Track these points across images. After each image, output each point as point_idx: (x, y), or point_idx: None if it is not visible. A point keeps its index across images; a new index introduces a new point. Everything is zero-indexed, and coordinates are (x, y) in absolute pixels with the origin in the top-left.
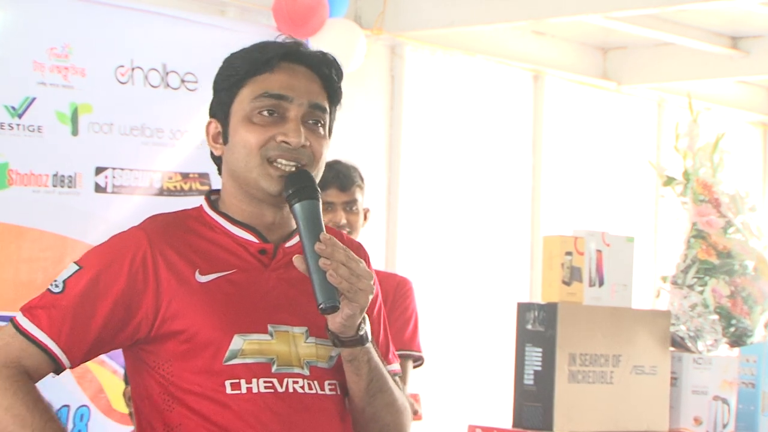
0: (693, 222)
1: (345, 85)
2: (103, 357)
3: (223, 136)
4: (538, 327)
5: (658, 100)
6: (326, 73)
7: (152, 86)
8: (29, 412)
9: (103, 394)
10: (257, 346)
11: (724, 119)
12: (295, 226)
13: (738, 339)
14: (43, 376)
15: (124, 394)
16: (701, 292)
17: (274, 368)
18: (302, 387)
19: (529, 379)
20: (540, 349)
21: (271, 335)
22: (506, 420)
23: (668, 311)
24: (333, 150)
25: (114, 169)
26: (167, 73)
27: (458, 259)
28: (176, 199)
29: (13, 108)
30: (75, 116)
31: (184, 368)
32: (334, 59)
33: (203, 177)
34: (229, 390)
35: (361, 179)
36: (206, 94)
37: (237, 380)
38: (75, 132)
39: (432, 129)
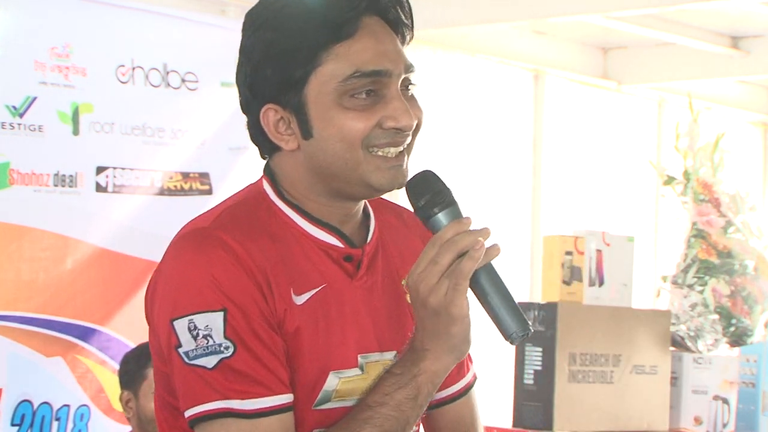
0: (693, 221)
1: None
2: (103, 356)
3: (302, 127)
4: (538, 326)
5: (658, 99)
6: (398, 18)
7: (153, 86)
8: None
9: (103, 393)
10: (351, 384)
11: (725, 119)
12: (363, 217)
13: (738, 338)
14: None
15: (121, 399)
16: (701, 292)
17: None
18: None
19: (529, 379)
20: (540, 349)
21: (362, 368)
22: (506, 419)
23: (668, 311)
24: None
25: (115, 168)
26: (168, 73)
27: None
28: (177, 198)
29: (15, 107)
30: (76, 116)
31: None
32: None
33: (203, 176)
34: None
35: None
36: (207, 94)
37: (323, 429)
38: (76, 131)
39: (432, 129)
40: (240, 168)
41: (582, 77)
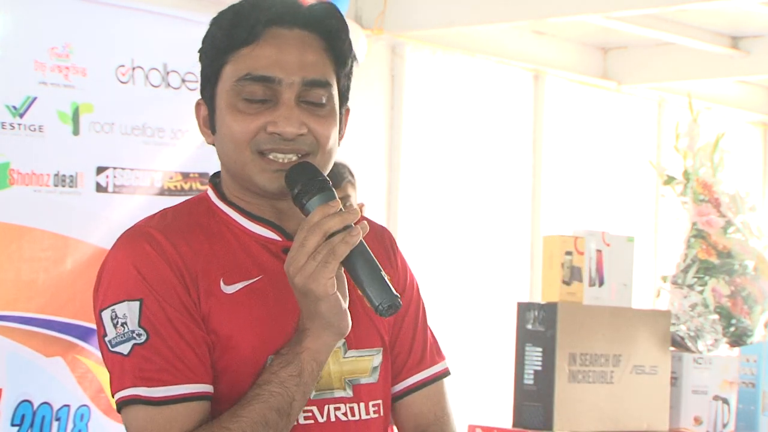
0: (693, 222)
1: None
2: None
3: (212, 124)
4: (538, 327)
5: (658, 99)
6: (326, 30)
7: (153, 86)
8: None
9: (103, 394)
10: None
11: (724, 119)
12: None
13: (738, 339)
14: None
15: None
16: (701, 292)
17: (313, 393)
18: (345, 414)
19: (529, 379)
20: (540, 349)
21: None
22: (506, 420)
23: (668, 311)
24: None
25: (115, 168)
26: (168, 73)
27: (458, 259)
28: (177, 198)
29: (14, 108)
30: (76, 116)
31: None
32: (333, 9)
33: (204, 177)
34: None
35: (351, 175)
36: None
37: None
38: (76, 131)
39: (432, 129)
40: None
41: (582, 77)
